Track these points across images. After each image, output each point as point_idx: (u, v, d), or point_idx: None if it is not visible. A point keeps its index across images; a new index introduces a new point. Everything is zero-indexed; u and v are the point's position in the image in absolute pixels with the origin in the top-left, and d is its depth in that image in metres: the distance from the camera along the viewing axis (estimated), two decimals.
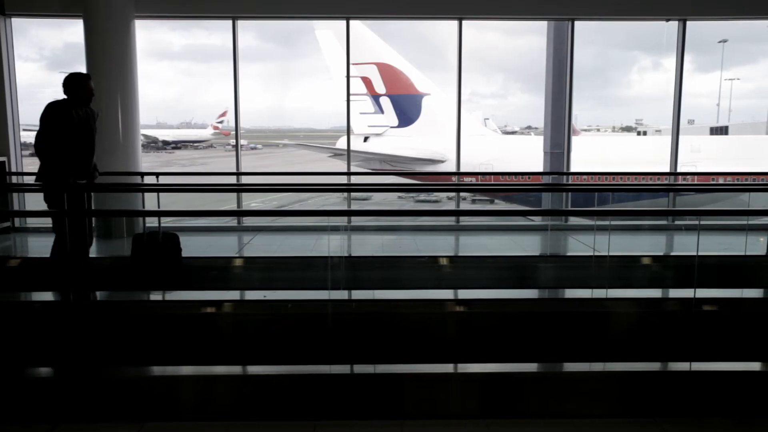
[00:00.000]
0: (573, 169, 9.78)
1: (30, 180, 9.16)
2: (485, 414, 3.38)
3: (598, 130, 34.68)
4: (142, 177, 7.63)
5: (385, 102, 17.40)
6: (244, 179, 9.82)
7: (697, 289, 4.34)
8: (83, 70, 7.96)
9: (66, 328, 3.71)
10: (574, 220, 9.02)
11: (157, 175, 7.05)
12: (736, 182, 9.73)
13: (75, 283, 3.76)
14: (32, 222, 8.63)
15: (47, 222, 8.13)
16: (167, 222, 9.15)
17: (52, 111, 5.17)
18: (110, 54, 7.91)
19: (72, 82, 5.26)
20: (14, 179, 8.46)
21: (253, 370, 3.61)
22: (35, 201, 8.77)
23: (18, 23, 8.75)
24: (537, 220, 9.52)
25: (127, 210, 7.32)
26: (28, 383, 3.41)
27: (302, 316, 4.35)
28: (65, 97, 5.29)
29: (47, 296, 4.59)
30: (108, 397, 3.39)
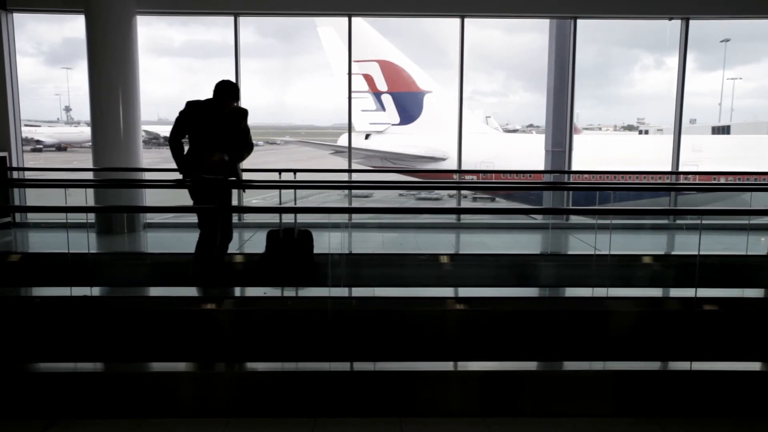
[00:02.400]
0: (574, 168, 9.77)
1: (30, 175, 9.20)
2: (484, 412, 3.37)
3: (600, 128, 34.66)
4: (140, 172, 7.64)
5: (387, 99, 17.39)
6: (245, 176, 9.78)
7: (698, 289, 4.33)
8: (84, 65, 7.97)
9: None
10: (575, 219, 9.01)
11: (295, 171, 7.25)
12: (737, 182, 9.72)
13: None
14: (33, 217, 8.63)
15: (48, 217, 8.15)
16: (166, 218, 9.17)
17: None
18: (111, 50, 7.90)
19: (219, 90, 5.34)
20: (15, 174, 8.46)
21: (253, 366, 3.61)
22: (36, 196, 8.81)
23: (16, 18, 8.73)
24: (538, 219, 9.51)
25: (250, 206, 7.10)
26: (17, 379, 3.41)
27: (302, 312, 4.34)
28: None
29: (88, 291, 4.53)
30: (110, 392, 3.39)
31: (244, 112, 5.53)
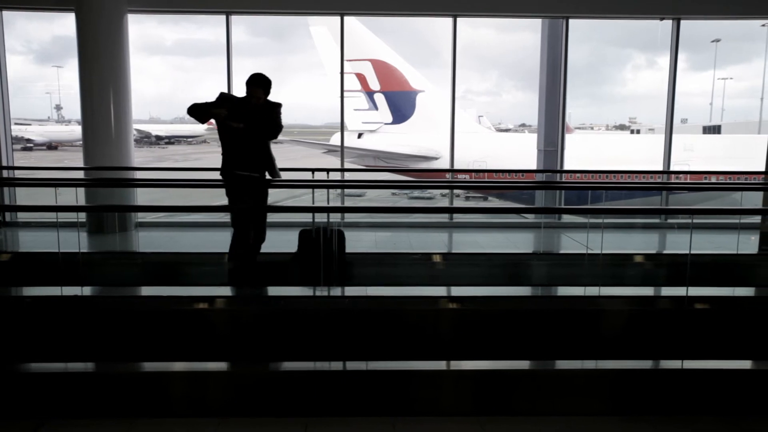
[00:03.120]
0: (566, 167, 9.81)
1: (21, 174, 9.13)
2: (478, 411, 3.38)
3: (592, 128, 34.78)
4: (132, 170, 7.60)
5: (380, 98, 17.38)
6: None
7: (689, 288, 4.36)
8: (75, 63, 7.92)
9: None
10: (567, 218, 9.04)
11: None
12: (728, 181, 9.79)
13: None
14: (23, 216, 8.57)
15: (38, 217, 8.09)
16: (157, 217, 9.12)
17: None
18: (102, 48, 7.86)
19: (248, 82, 5.31)
20: (5, 173, 8.39)
21: (245, 366, 3.60)
22: (26, 195, 8.75)
23: (5, 15, 8.67)
24: (530, 218, 9.53)
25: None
26: (8, 379, 3.39)
27: (294, 312, 4.33)
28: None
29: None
30: (105, 392, 3.37)
31: (275, 105, 5.45)
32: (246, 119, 5.26)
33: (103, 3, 7.83)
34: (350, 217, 8.70)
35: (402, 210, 8.43)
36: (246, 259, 5.48)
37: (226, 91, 8.93)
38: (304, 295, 4.55)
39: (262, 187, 5.55)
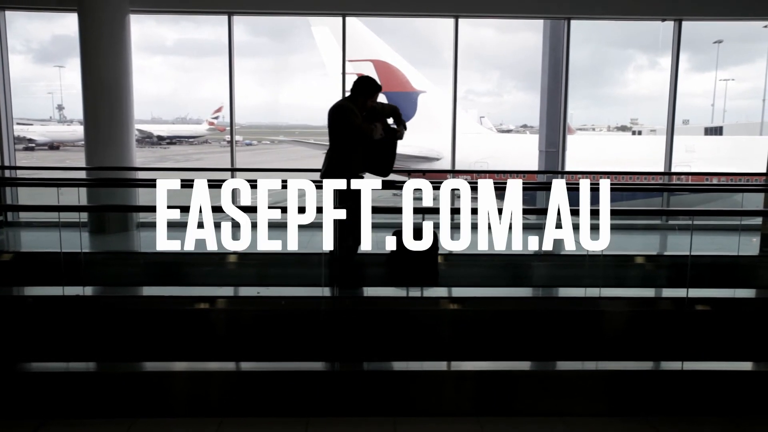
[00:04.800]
0: (568, 169, 9.80)
1: (23, 174, 9.14)
2: (478, 412, 3.38)
3: (594, 129, 34.79)
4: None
5: (381, 99, 17.37)
6: (239, 175, 9.80)
7: (689, 289, 4.36)
8: (76, 63, 7.94)
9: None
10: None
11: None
12: (729, 183, 9.78)
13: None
14: (25, 216, 8.58)
15: (40, 217, 8.09)
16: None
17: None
18: (105, 48, 7.88)
19: (364, 86, 5.39)
20: (7, 173, 8.41)
21: (246, 366, 3.60)
22: (28, 195, 8.75)
23: (6, 15, 8.69)
24: (531, 219, 9.50)
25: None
26: (9, 379, 3.40)
27: (296, 312, 4.34)
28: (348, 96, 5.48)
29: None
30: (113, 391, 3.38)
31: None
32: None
33: (106, 3, 7.84)
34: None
35: (390, 209, 8.38)
36: (348, 261, 5.45)
37: (227, 90, 8.95)
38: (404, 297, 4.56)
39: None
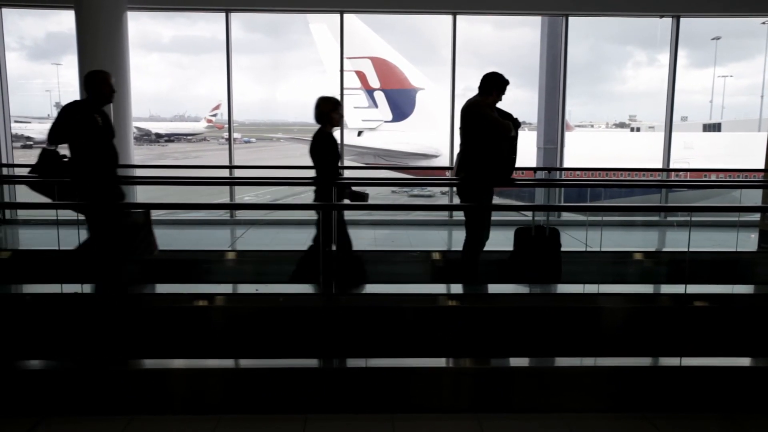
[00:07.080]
0: (566, 165, 9.80)
1: (20, 171, 9.12)
2: (477, 408, 3.38)
3: (592, 125, 34.75)
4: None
5: (379, 96, 17.37)
6: (237, 173, 9.80)
7: (688, 285, 4.36)
8: (74, 61, 7.91)
9: None
10: (566, 216, 9.03)
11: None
12: (728, 179, 9.79)
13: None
14: (23, 214, 8.57)
15: (38, 214, 8.08)
16: (158, 215, 9.10)
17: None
18: (102, 46, 7.84)
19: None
20: (5, 171, 8.40)
21: (245, 363, 3.60)
22: (26, 193, 8.72)
23: (3, 12, 8.66)
24: (529, 215, 9.51)
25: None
26: (6, 376, 3.40)
27: (294, 309, 4.33)
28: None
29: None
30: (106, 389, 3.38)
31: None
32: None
33: (103, 0, 7.81)
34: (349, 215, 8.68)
35: (388, 206, 8.48)
36: (474, 258, 5.36)
37: (225, 88, 8.94)
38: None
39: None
